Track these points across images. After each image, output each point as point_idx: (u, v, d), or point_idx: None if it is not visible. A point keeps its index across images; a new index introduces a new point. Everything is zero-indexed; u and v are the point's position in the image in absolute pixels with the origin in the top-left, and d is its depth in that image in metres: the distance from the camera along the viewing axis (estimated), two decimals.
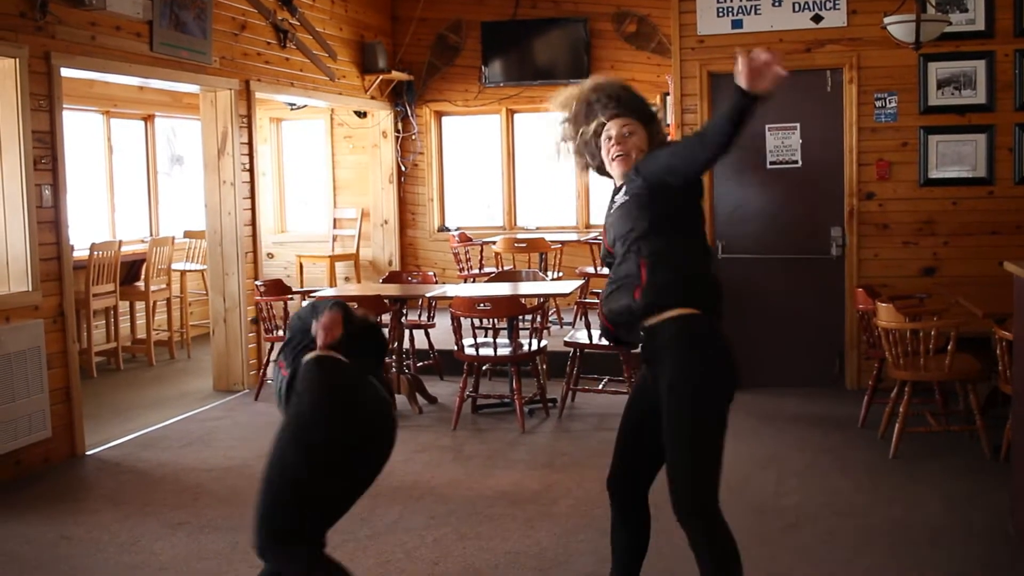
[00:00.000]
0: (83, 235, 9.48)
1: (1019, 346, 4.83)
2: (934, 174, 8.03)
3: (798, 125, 8.18)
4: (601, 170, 3.84)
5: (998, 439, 6.26)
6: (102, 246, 9.37)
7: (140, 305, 10.35)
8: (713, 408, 3.44)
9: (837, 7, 8.07)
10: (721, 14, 8.24)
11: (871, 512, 5.47)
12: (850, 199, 8.13)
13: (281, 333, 8.37)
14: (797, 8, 8.13)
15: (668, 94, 9.57)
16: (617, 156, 3.68)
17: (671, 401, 3.41)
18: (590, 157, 3.81)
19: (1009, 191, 7.93)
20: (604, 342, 7.54)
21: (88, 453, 6.97)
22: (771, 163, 8.25)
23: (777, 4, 8.15)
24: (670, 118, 8.79)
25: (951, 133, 7.98)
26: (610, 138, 3.70)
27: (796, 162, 8.21)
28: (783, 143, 8.20)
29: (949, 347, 6.25)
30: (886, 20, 6.79)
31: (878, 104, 8.06)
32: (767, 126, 8.19)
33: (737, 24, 8.21)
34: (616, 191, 3.76)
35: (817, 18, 8.11)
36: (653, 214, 3.52)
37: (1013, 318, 4.95)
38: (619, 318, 3.58)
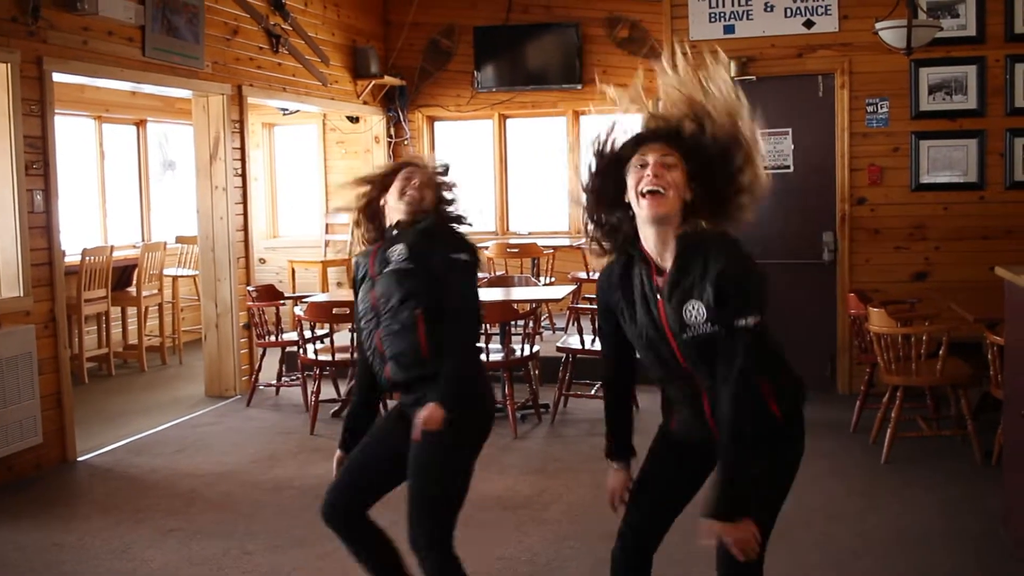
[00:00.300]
0: (75, 240, 9.46)
1: (1010, 351, 4.84)
2: (925, 179, 8.05)
3: (790, 130, 8.20)
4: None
5: (989, 444, 6.28)
6: (94, 251, 9.36)
7: (132, 311, 10.32)
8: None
9: (829, 12, 8.08)
10: (713, 19, 8.25)
11: (864, 517, 5.48)
12: (842, 204, 8.15)
13: (273, 339, 8.36)
14: (789, 13, 8.14)
15: (660, 99, 9.55)
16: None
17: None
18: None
19: (1000, 196, 7.95)
20: (597, 347, 7.55)
21: (80, 459, 6.95)
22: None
23: (769, 9, 8.17)
24: None
25: (942, 138, 8.00)
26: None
27: (788, 167, 8.23)
28: (775, 148, 8.21)
29: (940, 352, 6.27)
30: (877, 25, 6.80)
31: (870, 109, 8.07)
32: (759, 131, 8.19)
33: (729, 29, 8.23)
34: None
35: (809, 23, 8.12)
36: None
37: (1004, 323, 4.96)
38: None
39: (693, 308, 2.91)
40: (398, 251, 3.69)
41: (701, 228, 2.98)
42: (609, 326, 3.25)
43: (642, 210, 2.96)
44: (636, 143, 3.08)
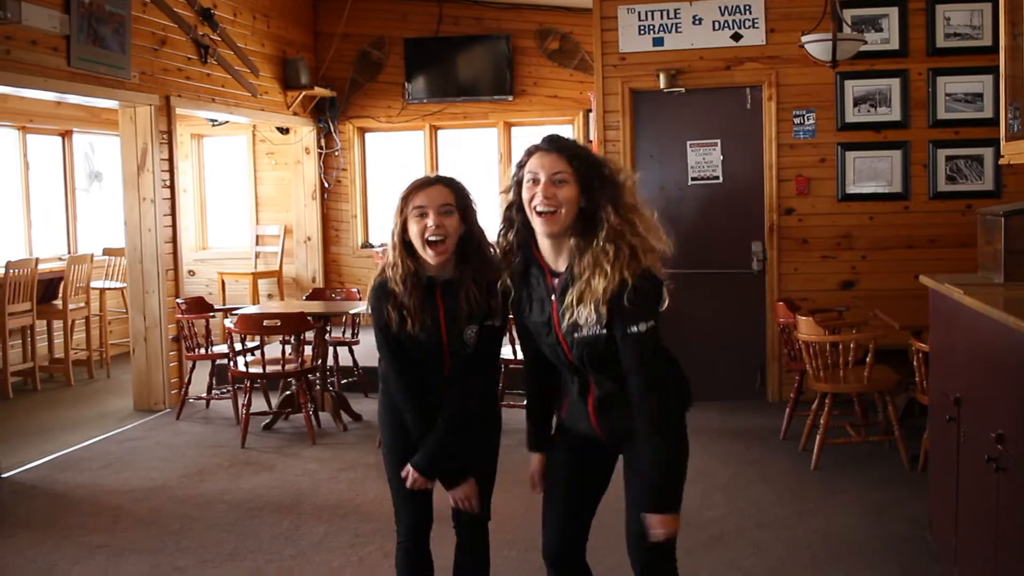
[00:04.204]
0: None
1: (935, 357, 4.93)
2: (851, 189, 8.18)
3: (719, 141, 8.28)
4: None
5: (916, 449, 6.39)
6: (18, 264, 9.19)
7: (58, 324, 10.15)
8: None
9: (756, 26, 8.19)
10: (643, 32, 8.31)
11: (794, 524, 5.54)
12: (770, 214, 8.25)
13: (203, 351, 8.28)
14: (717, 27, 8.24)
15: (591, 111, 9.63)
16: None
17: None
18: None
19: (924, 206, 8.10)
20: None
21: (3, 476, 6.81)
22: (692, 179, 8.35)
23: (697, 23, 8.25)
24: (592, 134, 8.85)
25: (867, 149, 8.14)
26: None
27: (717, 178, 8.31)
28: (704, 159, 8.30)
29: (868, 359, 6.36)
30: (804, 39, 6.90)
31: (796, 121, 8.19)
32: (688, 142, 8.30)
33: (658, 42, 8.30)
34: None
35: (737, 36, 8.22)
36: None
37: (929, 330, 5.05)
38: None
39: (585, 311, 3.02)
40: (469, 335, 3.51)
41: (595, 234, 3.04)
42: (522, 318, 3.33)
43: (536, 226, 3.11)
44: (529, 153, 3.17)
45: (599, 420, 3.24)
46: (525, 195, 3.10)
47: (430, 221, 3.37)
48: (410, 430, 3.58)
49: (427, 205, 3.39)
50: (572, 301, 3.04)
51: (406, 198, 3.44)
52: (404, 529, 3.75)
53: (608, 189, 3.07)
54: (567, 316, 3.07)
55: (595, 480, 3.45)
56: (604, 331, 3.02)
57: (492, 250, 3.41)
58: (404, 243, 3.43)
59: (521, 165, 3.17)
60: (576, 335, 3.07)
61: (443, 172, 3.69)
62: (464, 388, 3.58)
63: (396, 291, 3.42)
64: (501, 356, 7.62)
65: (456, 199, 3.45)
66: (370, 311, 3.55)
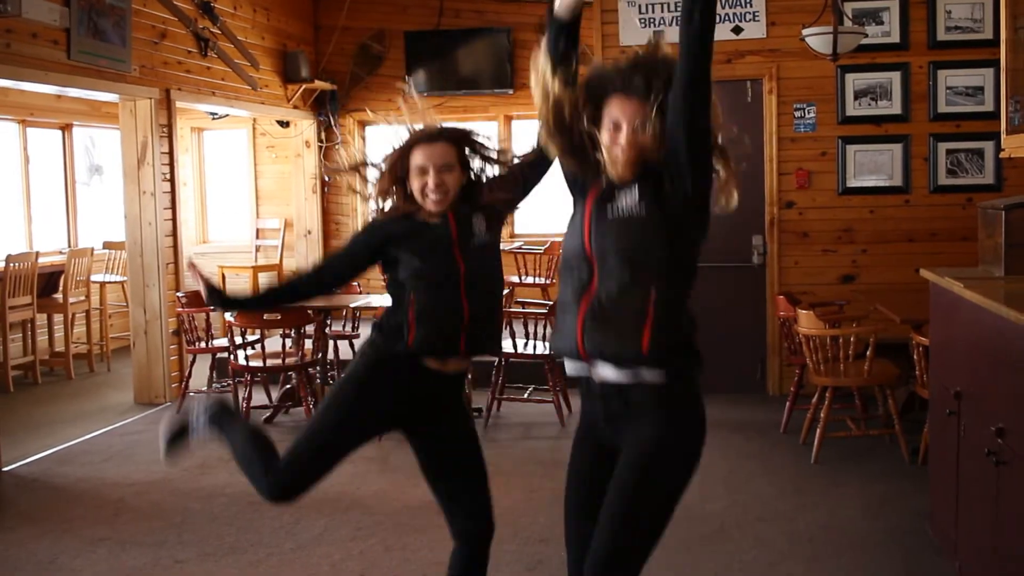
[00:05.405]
0: None
1: (935, 351, 4.93)
2: (852, 183, 8.18)
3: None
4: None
5: (916, 443, 6.39)
6: (18, 257, 9.19)
7: (58, 318, 10.15)
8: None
9: (757, 19, 8.19)
10: (643, 25, 8.32)
11: (795, 517, 5.55)
12: (771, 208, 8.25)
13: (203, 345, 8.28)
14: (718, 19, 8.18)
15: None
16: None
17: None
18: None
19: (924, 200, 8.10)
20: (529, 351, 7.58)
21: (4, 469, 6.82)
22: None
23: None
24: None
25: (868, 143, 8.14)
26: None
27: (717, 171, 8.29)
28: None
29: (868, 353, 6.37)
30: (804, 32, 6.90)
31: (797, 114, 8.18)
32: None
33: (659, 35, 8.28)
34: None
35: (737, 30, 8.22)
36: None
37: (929, 324, 5.05)
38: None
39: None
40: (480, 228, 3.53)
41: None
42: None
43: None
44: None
45: (584, 337, 2.92)
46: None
47: (430, 180, 3.39)
48: (273, 290, 3.72)
49: (428, 165, 3.41)
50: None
51: (410, 148, 3.47)
52: (270, 481, 3.56)
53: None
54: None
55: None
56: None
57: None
58: (404, 189, 3.46)
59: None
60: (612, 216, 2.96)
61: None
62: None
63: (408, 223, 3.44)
64: (501, 349, 7.67)
65: (458, 154, 3.48)
66: (364, 227, 3.56)
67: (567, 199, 3.16)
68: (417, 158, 3.43)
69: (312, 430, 3.59)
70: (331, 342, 8.44)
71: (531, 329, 7.60)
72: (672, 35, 8.45)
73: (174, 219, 8.87)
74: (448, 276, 3.39)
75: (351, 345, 8.81)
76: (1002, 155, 4.94)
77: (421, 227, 3.43)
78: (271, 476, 3.54)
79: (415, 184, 3.41)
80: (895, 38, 8.05)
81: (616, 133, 3.00)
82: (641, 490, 2.91)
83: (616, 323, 2.91)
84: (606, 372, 2.96)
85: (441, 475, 3.64)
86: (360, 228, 3.54)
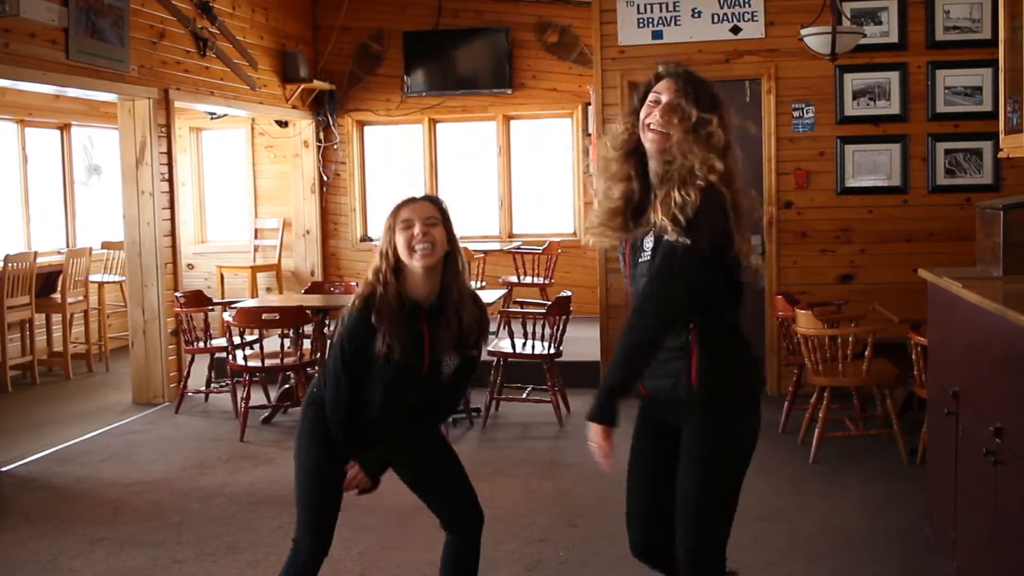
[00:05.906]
0: None
1: (933, 351, 4.93)
2: (851, 183, 8.18)
3: None
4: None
5: (914, 443, 6.39)
6: (16, 257, 9.19)
7: (57, 317, 10.15)
8: None
9: (755, 19, 8.19)
10: (642, 25, 8.32)
11: (793, 516, 5.55)
12: (769, 207, 8.25)
13: (202, 345, 8.28)
14: (716, 20, 8.23)
15: (590, 104, 9.63)
16: None
17: None
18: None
19: (923, 199, 8.10)
20: (528, 351, 7.59)
21: (3, 469, 6.82)
22: None
23: (696, 16, 8.25)
24: (591, 127, 8.85)
25: (867, 143, 8.14)
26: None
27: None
28: None
29: (866, 353, 6.37)
30: (803, 32, 6.90)
31: (796, 114, 8.19)
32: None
33: (657, 35, 8.30)
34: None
35: (736, 29, 8.22)
36: None
37: (927, 324, 5.05)
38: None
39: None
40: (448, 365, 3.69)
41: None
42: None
43: (648, 143, 3.30)
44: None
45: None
46: (656, 121, 3.26)
47: (416, 230, 3.49)
48: (339, 443, 3.62)
49: (414, 218, 3.51)
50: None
51: (394, 214, 3.59)
52: (309, 557, 3.74)
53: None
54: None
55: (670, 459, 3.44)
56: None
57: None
58: (394, 264, 3.53)
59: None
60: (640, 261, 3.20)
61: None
62: (433, 407, 3.77)
63: (383, 309, 3.47)
64: (500, 350, 7.68)
65: (441, 215, 3.59)
66: (344, 330, 3.56)
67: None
68: (403, 215, 3.56)
69: (299, 499, 3.77)
70: (329, 342, 8.43)
71: (530, 329, 7.61)
72: (672, 35, 8.46)
73: (172, 219, 8.87)
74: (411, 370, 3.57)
75: None
76: (1000, 155, 4.94)
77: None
78: (301, 555, 3.80)
79: (400, 240, 3.51)
80: (893, 38, 8.05)
81: (654, 107, 3.25)
82: (705, 490, 3.43)
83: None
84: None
85: (423, 485, 3.96)
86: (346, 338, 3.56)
